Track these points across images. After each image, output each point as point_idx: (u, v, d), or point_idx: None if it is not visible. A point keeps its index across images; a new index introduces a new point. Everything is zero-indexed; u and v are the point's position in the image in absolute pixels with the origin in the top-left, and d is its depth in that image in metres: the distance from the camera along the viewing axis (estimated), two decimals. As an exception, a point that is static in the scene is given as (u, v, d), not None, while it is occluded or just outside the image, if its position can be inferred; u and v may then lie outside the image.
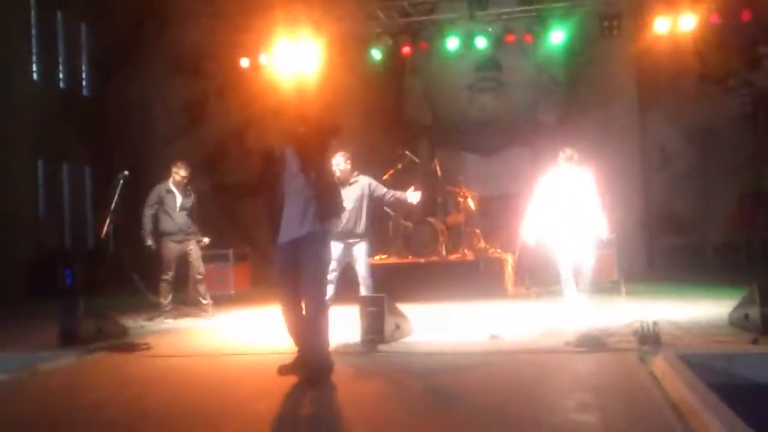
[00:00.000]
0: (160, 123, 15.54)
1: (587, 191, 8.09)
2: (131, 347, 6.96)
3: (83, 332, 7.05)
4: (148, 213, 8.95)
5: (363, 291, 7.84)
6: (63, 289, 12.33)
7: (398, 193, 8.03)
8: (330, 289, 7.09)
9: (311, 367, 5.28)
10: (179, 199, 9.09)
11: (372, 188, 7.98)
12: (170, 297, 9.11)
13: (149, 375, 5.94)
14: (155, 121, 15.55)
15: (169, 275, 9.05)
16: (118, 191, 8.26)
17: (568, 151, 8.21)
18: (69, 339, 6.95)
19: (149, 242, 8.93)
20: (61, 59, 15.52)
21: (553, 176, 8.24)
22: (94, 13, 15.55)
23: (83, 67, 16.13)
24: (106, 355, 6.72)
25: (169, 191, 9.09)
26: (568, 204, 8.05)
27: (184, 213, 9.09)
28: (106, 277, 9.97)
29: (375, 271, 10.36)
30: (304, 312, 5.42)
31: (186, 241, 9.09)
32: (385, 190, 8.07)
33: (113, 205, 8.70)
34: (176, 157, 9.88)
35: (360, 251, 7.84)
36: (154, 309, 9.18)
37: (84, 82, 16.16)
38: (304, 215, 5.36)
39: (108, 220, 8.10)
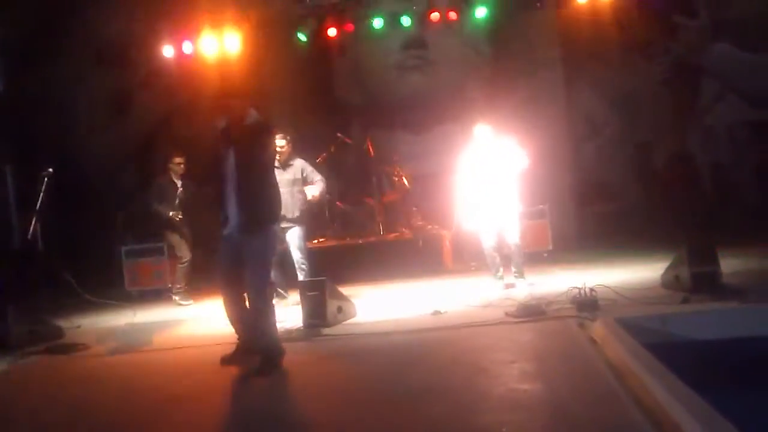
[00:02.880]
0: (84, 116, 15.02)
1: (505, 159, 7.96)
2: (67, 348, 6.77)
3: (14, 337, 6.83)
4: (156, 206, 9.52)
5: (300, 276, 7.82)
6: (-10, 293, 11.87)
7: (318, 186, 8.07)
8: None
9: (263, 355, 5.26)
10: (180, 189, 9.54)
11: (305, 174, 7.94)
12: (185, 280, 9.69)
13: (88, 376, 5.80)
14: (78, 115, 15.03)
15: (184, 259, 9.62)
16: (43, 189, 7.97)
17: (481, 126, 8.13)
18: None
19: (177, 216, 9.50)
20: (-31, 53, 14.83)
21: (470, 153, 8.17)
22: (3, 0, 14.89)
23: (-5, 61, 15.44)
24: (41, 359, 6.54)
25: (171, 182, 9.56)
26: (486, 178, 7.99)
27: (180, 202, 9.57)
28: (35, 278, 9.62)
29: (313, 254, 10.34)
30: (246, 302, 5.38)
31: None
32: (318, 178, 8.01)
33: (39, 203, 8.40)
34: (106, 147, 10.01)
35: (293, 236, 7.79)
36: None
37: (-2, 78, 15.49)
38: (239, 218, 5.29)
39: (34, 220, 7.81)
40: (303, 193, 7.93)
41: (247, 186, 5.26)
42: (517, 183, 8.12)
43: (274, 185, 5.59)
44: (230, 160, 5.30)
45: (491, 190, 7.98)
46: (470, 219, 8.25)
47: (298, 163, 7.89)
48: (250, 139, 5.30)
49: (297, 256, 7.89)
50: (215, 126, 5.47)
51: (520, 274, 8.18)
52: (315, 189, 7.98)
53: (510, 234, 8.12)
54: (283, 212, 7.39)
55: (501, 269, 8.20)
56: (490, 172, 7.97)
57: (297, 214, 7.81)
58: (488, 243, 8.15)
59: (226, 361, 5.40)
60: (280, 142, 7.50)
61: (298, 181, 7.85)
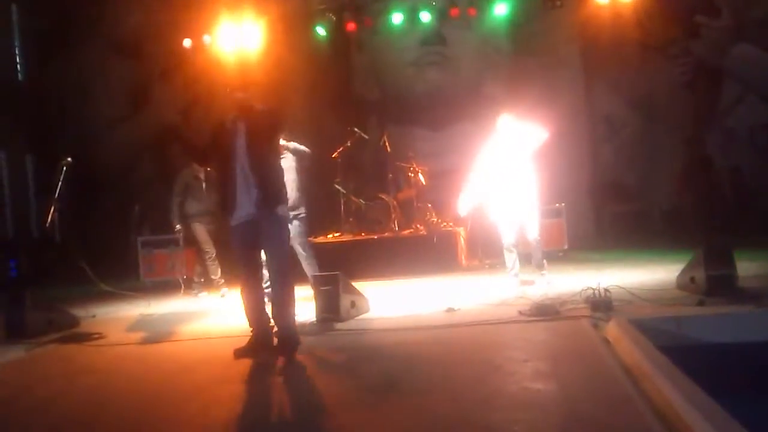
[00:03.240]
0: (103, 107, 15.14)
1: (525, 141, 7.82)
2: (83, 337, 6.83)
3: (31, 325, 6.88)
4: (176, 201, 9.50)
5: (306, 270, 7.78)
6: (8, 280, 11.98)
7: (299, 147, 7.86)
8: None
9: (282, 340, 5.34)
10: (204, 183, 9.47)
11: (294, 152, 7.76)
12: (219, 272, 9.67)
13: (103, 365, 5.84)
14: (98, 105, 15.14)
15: (211, 254, 9.60)
16: (61, 178, 8.02)
17: (505, 116, 8.04)
18: (16, 332, 6.78)
19: (177, 226, 9.50)
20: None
21: (492, 145, 8.03)
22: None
23: (16, 51, 15.56)
24: (57, 347, 6.58)
25: (197, 177, 9.47)
26: (508, 170, 7.89)
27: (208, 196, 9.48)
28: (53, 267, 9.72)
29: (328, 249, 10.38)
30: (263, 291, 5.45)
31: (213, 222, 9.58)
32: (302, 148, 7.84)
33: (57, 192, 8.47)
34: (125, 138, 9.94)
35: (293, 230, 7.53)
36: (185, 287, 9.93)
37: (18, 67, 15.60)
38: (255, 197, 5.31)
39: (53, 209, 7.86)
40: (300, 180, 7.82)
41: (260, 166, 5.32)
42: (537, 179, 8.04)
43: (280, 169, 5.74)
44: (239, 145, 5.32)
45: (512, 185, 7.90)
46: (466, 206, 8.11)
47: (290, 146, 7.68)
48: (262, 121, 5.36)
49: (299, 249, 7.84)
50: (225, 114, 5.52)
51: (541, 270, 8.14)
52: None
53: (530, 230, 8.05)
54: None
55: (517, 266, 8.12)
56: (512, 166, 7.89)
57: (294, 203, 7.61)
58: (508, 239, 8.08)
59: (240, 353, 5.42)
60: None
61: (292, 169, 7.73)
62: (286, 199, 5.72)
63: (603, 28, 12.81)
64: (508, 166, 7.89)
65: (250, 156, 5.29)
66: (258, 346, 5.46)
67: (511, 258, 8.12)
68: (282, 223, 5.49)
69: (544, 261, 8.20)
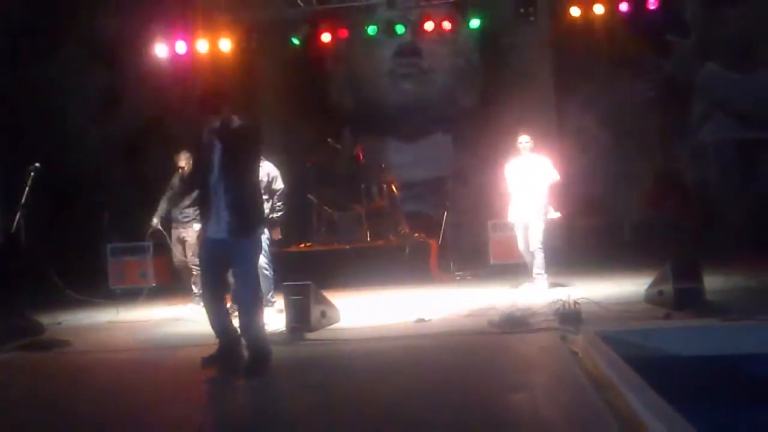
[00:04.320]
0: (75, 111, 14.95)
1: (542, 176, 8.83)
2: (49, 344, 6.72)
3: (-6, 331, 6.76)
4: (161, 201, 8.94)
5: (263, 282, 7.65)
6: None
7: (277, 206, 7.82)
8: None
9: (252, 355, 5.29)
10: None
11: (270, 178, 7.77)
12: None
13: (65, 373, 5.75)
14: (69, 110, 14.95)
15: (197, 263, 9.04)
16: (29, 184, 7.91)
17: (525, 138, 8.86)
18: (-22, 338, 6.65)
19: (154, 222, 8.85)
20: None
21: (515, 162, 8.91)
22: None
23: (-11, 54, 15.32)
24: (21, 354, 6.47)
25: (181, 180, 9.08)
26: (522, 186, 8.82)
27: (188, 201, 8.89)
28: (18, 273, 9.57)
29: (299, 258, 10.34)
30: (227, 304, 5.45)
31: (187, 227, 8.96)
32: (280, 188, 7.84)
33: (24, 198, 8.35)
34: (96, 144, 9.66)
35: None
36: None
37: (-10, 70, 15.36)
38: (229, 222, 5.23)
39: (18, 215, 7.75)
40: (268, 196, 7.74)
41: (236, 189, 5.24)
42: (547, 194, 8.89)
43: (259, 189, 5.68)
44: (215, 162, 5.25)
45: (525, 198, 8.80)
46: (514, 213, 8.99)
47: (266, 166, 7.60)
48: (238, 141, 5.29)
49: (262, 260, 7.78)
50: (204, 128, 5.42)
51: (538, 273, 8.76)
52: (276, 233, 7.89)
53: (532, 240, 8.79)
54: None
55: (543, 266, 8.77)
56: (527, 181, 8.79)
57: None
58: (521, 245, 8.96)
59: (207, 362, 5.38)
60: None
61: (262, 185, 7.63)
62: (262, 222, 5.68)
63: (575, 44, 12.97)
64: (524, 180, 8.83)
65: (226, 176, 5.22)
66: (225, 355, 5.42)
67: (538, 259, 8.76)
68: (254, 245, 5.44)
69: (542, 269, 8.76)
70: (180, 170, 8.87)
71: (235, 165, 5.25)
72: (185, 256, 8.96)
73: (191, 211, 8.79)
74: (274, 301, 7.92)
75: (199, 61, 12.91)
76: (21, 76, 14.89)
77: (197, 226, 8.71)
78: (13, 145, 14.49)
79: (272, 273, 7.91)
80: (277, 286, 7.93)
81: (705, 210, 13.06)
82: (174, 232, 9.05)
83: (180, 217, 8.96)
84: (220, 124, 5.31)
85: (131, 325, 8.06)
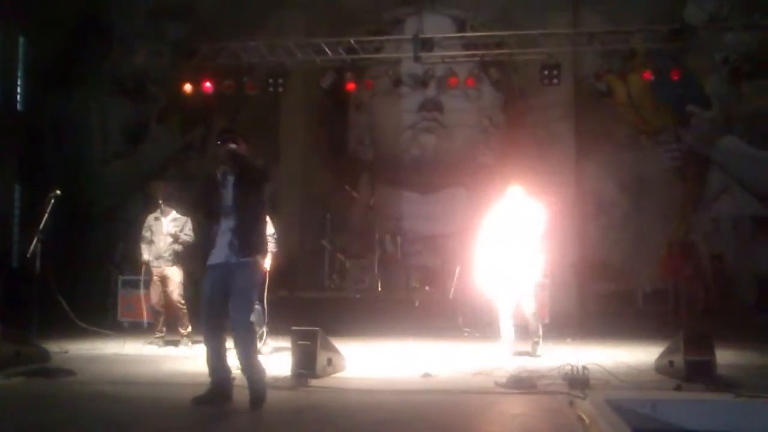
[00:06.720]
0: (98, 143, 15.17)
1: (531, 228, 7.91)
2: (53, 373, 6.69)
3: (-1, 356, 6.75)
4: (141, 243, 8.93)
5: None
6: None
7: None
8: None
9: (253, 389, 5.33)
10: (164, 224, 8.87)
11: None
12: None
13: (66, 403, 5.70)
14: (92, 142, 15.18)
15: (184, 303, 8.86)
16: (48, 210, 7.99)
17: (514, 187, 8.10)
18: (-21, 362, 6.64)
19: (145, 258, 8.82)
20: (-4, 72, 15.02)
21: (496, 214, 8.07)
22: (35, 27, 15.17)
23: (18, 82, 15.64)
24: (25, 381, 6.44)
25: (157, 218, 8.96)
26: (509, 244, 7.89)
27: (166, 238, 8.80)
28: (29, 299, 9.61)
29: (308, 304, 10.32)
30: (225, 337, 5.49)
31: (164, 266, 8.84)
32: (272, 231, 7.91)
33: (42, 224, 8.42)
34: (116, 175, 9.75)
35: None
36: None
37: (19, 97, 15.65)
38: (232, 243, 5.38)
39: (36, 240, 7.81)
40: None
41: (247, 220, 5.44)
42: (541, 252, 8.07)
43: (265, 221, 5.89)
44: (226, 196, 5.43)
45: (514, 256, 7.89)
46: (489, 285, 8.09)
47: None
48: (251, 175, 5.49)
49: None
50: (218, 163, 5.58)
51: (538, 341, 8.12)
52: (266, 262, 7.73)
53: (527, 303, 8.09)
54: None
55: (512, 336, 8.01)
56: (514, 236, 7.90)
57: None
58: (505, 311, 8.01)
59: (197, 401, 5.35)
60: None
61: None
62: (265, 251, 5.82)
63: (597, 109, 13.10)
64: (511, 237, 7.90)
65: (237, 208, 5.41)
66: (216, 394, 5.40)
67: (507, 327, 8.04)
68: (255, 272, 5.53)
69: (540, 330, 8.21)
70: (159, 208, 8.87)
71: (246, 199, 5.44)
72: (165, 294, 8.83)
73: (174, 248, 8.78)
74: (264, 333, 7.94)
75: (223, 101, 13.11)
76: (49, 106, 15.18)
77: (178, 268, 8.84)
78: (34, 172, 14.70)
79: (264, 309, 7.90)
80: (282, 329, 7.91)
81: (719, 282, 12.96)
82: (156, 271, 8.90)
83: (166, 255, 8.85)
84: (234, 159, 5.42)
85: (136, 359, 8.02)
